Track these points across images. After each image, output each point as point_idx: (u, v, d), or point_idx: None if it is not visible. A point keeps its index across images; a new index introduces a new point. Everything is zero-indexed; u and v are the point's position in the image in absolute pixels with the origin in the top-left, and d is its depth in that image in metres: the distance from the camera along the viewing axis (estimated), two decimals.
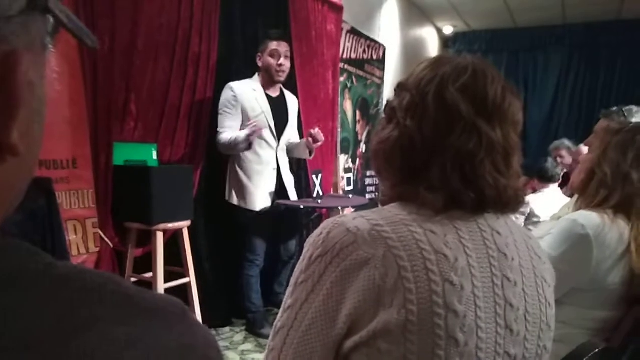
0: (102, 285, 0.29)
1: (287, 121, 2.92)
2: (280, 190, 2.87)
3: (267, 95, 2.81)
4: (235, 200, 2.76)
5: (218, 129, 2.67)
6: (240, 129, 2.66)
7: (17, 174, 0.33)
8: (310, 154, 2.97)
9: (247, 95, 2.71)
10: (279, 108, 2.86)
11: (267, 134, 2.76)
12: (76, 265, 0.30)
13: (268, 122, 2.76)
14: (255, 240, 2.80)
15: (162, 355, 0.28)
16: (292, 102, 3.01)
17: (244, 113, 2.69)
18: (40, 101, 0.33)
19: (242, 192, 2.75)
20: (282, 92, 2.94)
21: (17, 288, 0.25)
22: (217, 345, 0.34)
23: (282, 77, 2.81)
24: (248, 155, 2.72)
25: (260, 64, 2.79)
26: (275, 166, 2.83)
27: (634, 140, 1.26)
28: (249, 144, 2.59)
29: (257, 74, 2.83)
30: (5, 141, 0.30)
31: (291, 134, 2.98)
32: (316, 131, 2.81)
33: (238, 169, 2.75)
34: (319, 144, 2.86)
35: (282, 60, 2.75)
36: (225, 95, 2.69)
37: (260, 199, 2.75)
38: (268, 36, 2.81)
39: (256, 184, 2.75)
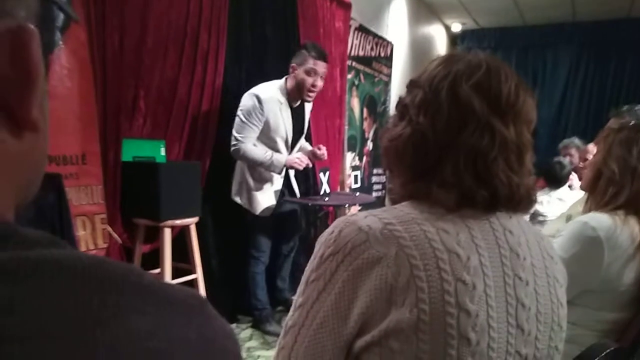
0: (124, 276, 0.29)
1: (302, 132, 2.91)
2: (285, 190, 2.89)
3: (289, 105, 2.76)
4: (239, 200, 2.76)
5: (236, 136, 2.59)
6: (259, 138, 2.66)
7: (35, 150, 0.33)
8: None
9: (274, 108, 2.64)
10: (297, 119, 2.82)
11: (281, 145, 2.74)
12: (98, 256, 0.30)
13: (287, 134, 2.74)
14: (260, 238, 2.80)
15: (182, 346, 0.28)
16: (308, 109, 2.97)
17: (266, 124, 2.64)
18: (44, 76, 0.33)
19: (248, 195, 2.75)
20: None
21: (39, 278, 0.25)
22: (235, 337, 0.34)
23: (312, 98, 2.75)
24: None
25: (293, 74, 2.69)
26: (284, 174, 2.83)
27: (637, 136, 1.27)
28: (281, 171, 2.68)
29: (285, 79, 2.75)
30: (25, 116, 0.30)
31: (302, 140, 2.99)
32: (322, 152, 2.83)
33: (246, 173, 2.74)
34: (319, 160, 2.93)
35: (317, 81, 2.68)
36: (251, 102, 2.58)
37: (265, 203, 2.76)
38: (307, 49, 2.67)
39: (263, 189, 2.75)
